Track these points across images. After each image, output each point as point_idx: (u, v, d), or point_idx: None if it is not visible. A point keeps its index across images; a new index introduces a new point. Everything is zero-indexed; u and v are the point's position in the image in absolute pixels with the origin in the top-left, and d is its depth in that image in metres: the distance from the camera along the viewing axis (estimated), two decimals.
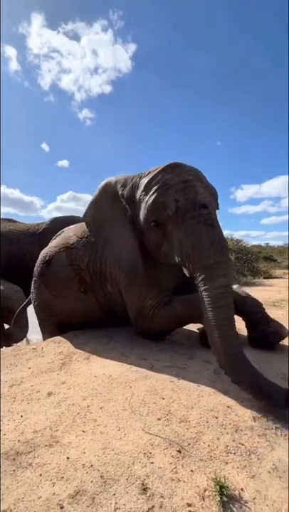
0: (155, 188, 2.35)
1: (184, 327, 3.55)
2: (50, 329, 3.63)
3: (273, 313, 3.58)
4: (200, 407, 1.81)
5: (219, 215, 2.46)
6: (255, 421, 1.67)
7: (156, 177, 2.40)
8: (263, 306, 2.86)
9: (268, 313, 2.83)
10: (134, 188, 2.63)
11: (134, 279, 2.86)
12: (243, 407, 1.80)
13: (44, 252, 3.67)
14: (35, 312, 3.83)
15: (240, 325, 2.36)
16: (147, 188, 2.42)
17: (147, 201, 2.39)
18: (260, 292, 7.17)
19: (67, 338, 3.20)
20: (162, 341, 3.02)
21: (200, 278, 2.00)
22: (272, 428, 1.60)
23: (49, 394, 2.03)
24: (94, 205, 2.93)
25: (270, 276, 12.37)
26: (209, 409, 1.77)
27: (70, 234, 3.59)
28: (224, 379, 2.18)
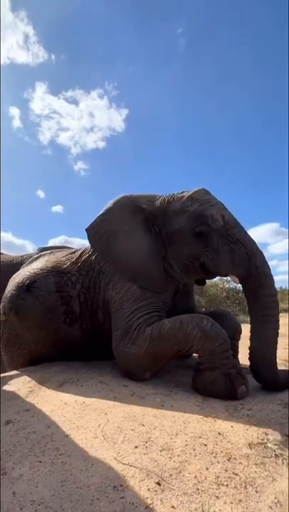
0: (199, 202, 2.52)
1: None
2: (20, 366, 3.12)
3: None
4: (186, 433, 1.52)
5: None
6: (251, 448, 1.39)
7: (197, 194, 2.59)
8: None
9: None
10: (168, 201, 2.72)
11: (134, 295, 2.58)
12: (237, 434, 1.52)
13: (21, 276, 3.08)
14: (1, 347, 3.25)
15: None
16: (192, 200, 2.56)
17: (193, 211, 2.51)
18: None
19: (41, 368, 2.84)
20: None
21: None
22: (271, 456, 1.33)
23: (7, 422, 1.69)
24: (107, 215, 2.84)
25: None
26: (197, 436, 1.49)
27: (60, 258, 3.16)
28: (214, 405, 1.91)
